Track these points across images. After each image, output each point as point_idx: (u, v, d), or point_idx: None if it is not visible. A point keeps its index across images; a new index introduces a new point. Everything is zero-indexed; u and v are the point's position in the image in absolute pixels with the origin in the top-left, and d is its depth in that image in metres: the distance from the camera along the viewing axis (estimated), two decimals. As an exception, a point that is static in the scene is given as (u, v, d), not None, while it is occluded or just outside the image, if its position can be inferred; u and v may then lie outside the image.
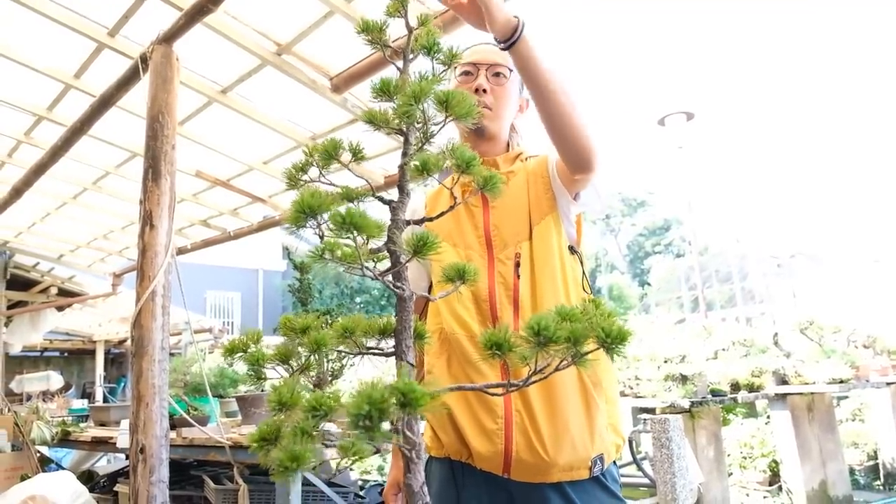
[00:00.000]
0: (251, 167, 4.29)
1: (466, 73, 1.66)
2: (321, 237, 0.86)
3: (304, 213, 0.80)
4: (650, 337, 7.68)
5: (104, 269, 7.19)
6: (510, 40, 1.33)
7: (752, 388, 5.92)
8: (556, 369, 0.87)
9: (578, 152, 1.42)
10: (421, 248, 0.84)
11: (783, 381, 6.27)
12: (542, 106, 1.39)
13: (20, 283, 7.74)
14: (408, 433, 0.82)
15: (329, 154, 0.87)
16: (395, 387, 0.67)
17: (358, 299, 20.37)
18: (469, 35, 1.53)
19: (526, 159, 1.67)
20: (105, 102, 3.19)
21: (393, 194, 0.94)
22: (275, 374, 0.93)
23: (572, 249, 1.60)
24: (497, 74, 1.65)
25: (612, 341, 0.81)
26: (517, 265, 1.52)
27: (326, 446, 0.78)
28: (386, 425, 0.67)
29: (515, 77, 1.68)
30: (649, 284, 33.24)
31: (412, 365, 0.91)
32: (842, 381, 6.13)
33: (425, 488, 0.86)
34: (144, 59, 2.70)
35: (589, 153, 1.42)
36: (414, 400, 0.66)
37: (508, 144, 1.73)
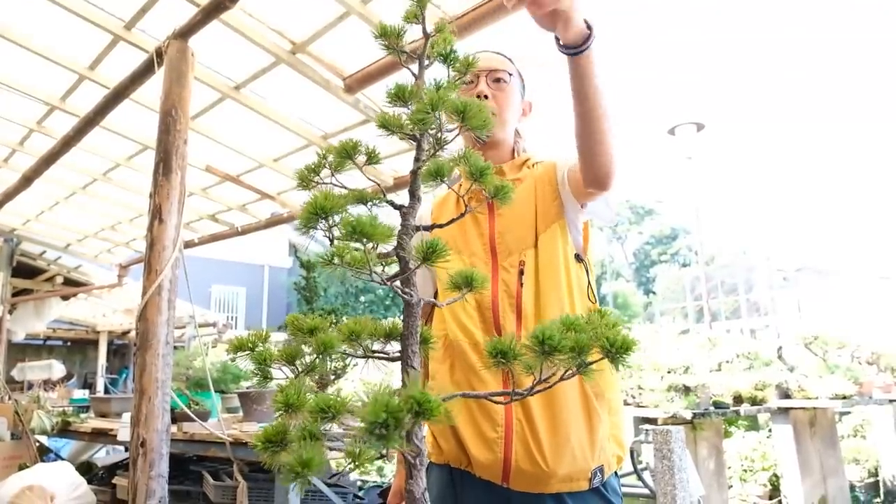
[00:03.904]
0: (261, 164, 4.31)
1: (467, 82, 1.63)
2: (331, 240, 0.86)
3: (317, 214, 0.80)
4: (654, 346, 7.66)
5: (110, 259, 7.21)
6: (579, 48, 1.24)
7: (754, 402, 5.88)
8: (561, 379, 0.86)
9: (601, 170, 1.40)
10: (430, 255, 0.84)
11: (786, 395, 6.24)
12: (584, 120, 1.34)
13: (26, 270, 7.77)
14: (412, 440, 0.81)
15: (347, 154, 0.87)
16: (410, 395, 0.67)
17: (363, 299, 20.34)
18: (480, 40, 1.50)
19: (533, 165, 1.66)
20: (118, 95, 3.21)
21: (403, 197, 0.93)
22: (279, 373, 0.93)
23: (578, 257, 1.58)
24: (497, 80, 1.64)
25: (617, 351, 0.81)
26: (521, 273, 1.52)
27: (331, 449, 0.77)
28: (399, 433, 0.67)
29: (516, 81, 1.68)
30: (654, 293, 33.14)
31: (417, 370, 0.90)
32: (845, 397, 6.10)
33: (427, 495, 0.86)
34: (160, 54, 2.72)
35: (609, 173, 1.40)
36: (428, 410, 0.66)
37: (514, 150, 1.71)
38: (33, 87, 3.68)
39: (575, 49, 1.25)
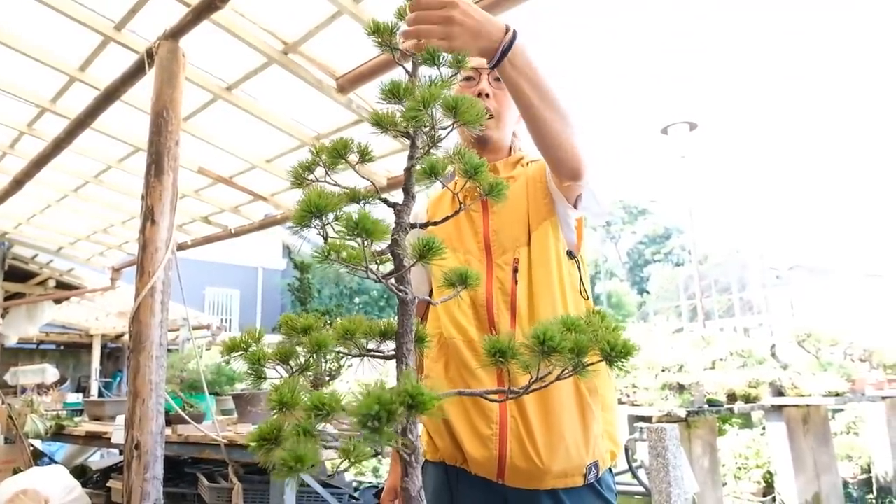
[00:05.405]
0: (254, 165, 4.29)
1: (468, 79, 1.64)
2: (325, 238, 0.86)
3: (311, 213, 0.80)
4: (648, 345, 7.68)
5: (103, 262, 7.17)
6: (494, 60, 1.26)
7: (748, 399, 5.91)
8: (558, 378, 0.86)
9: (566, 164, 1.39)
10: (426, 252, 0.84)
11: (779, 393, 6.27)
12: (529, 120, 1.35)
13: (18, 274, 7.72)
14: (407, 437, 0.81)
15: (338, 153, 0.87)
16: (403, 389, 0.66)
17: (357, 300, 20.31)
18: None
19: (527, 164, 1.66)
20: (109, 96, 3.19)
21: (397, 196, 0.93)
22: (273, 373, 0.93)
23: (570, 254, 1.58)
24: (499, 79, 1.60)
25: (617, 355, 0.81)
26: (515, 270, 1.51)
27: (325, 447, 0.77)
28: (391, 427, 0.67)
29: None
30: (648, 292, 33.29)
31: (412, 369, 0.90)
32: (838, 394, 6.14)
33: (423, 493, 0.85)
34: (150, 55, 2.70)
35: (576, 164, 1.39)
36: (421, 403, 0.65)
37: (510, 150, 1.72)
38: (23, 89, 3.66)
39: (491, 62, 1.26)
